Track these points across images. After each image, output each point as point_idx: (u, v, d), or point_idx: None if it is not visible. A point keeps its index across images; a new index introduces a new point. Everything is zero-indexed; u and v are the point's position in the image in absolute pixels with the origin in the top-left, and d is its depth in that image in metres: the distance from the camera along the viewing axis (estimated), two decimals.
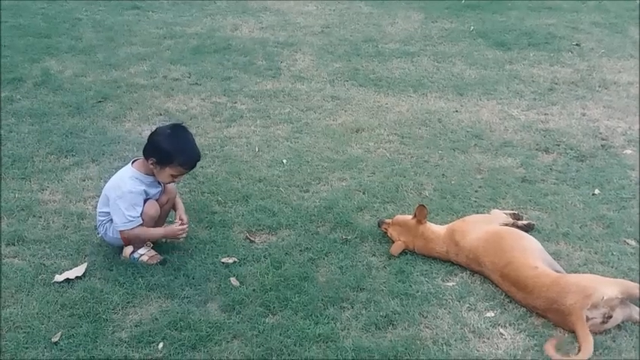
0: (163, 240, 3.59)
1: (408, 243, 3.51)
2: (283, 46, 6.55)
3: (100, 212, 3.46)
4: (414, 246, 3.51)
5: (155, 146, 3.34)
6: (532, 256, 3.22)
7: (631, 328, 3.02)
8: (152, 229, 3.42)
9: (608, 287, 2.97)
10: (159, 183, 3.48)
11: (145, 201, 3.41)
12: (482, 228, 3.43)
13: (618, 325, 3.01)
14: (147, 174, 3.40)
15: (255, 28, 7.08)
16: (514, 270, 3.16)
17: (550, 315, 3.03)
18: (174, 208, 3.59)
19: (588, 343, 2.84)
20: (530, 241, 3.37)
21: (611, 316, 2.94)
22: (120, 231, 3.36)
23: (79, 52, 6.35)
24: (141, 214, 3.38)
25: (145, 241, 3.47)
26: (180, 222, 3.50)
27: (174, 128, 3.43)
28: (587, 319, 2.91)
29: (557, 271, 3.21)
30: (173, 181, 3.45)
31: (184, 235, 3.49)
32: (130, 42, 6.64)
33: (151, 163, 3.34)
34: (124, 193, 3.33)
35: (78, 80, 5.73)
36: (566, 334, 2.99)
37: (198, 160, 3.45)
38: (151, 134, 3.43)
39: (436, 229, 3.53)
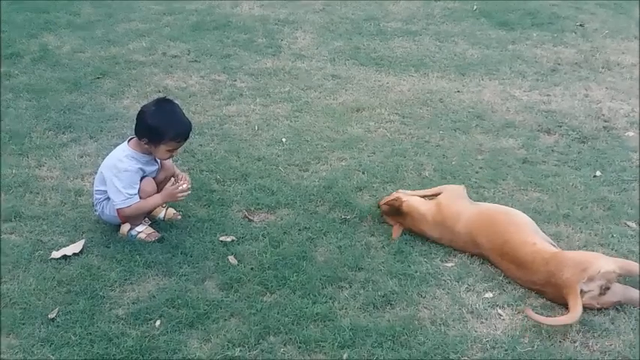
0: (162, 218, 3.57)
1: (402, 224, 3.51)
2: (284, 24, 6.49)
3: (96, 190, 3.43)
4: (407, 226, 3.50)
5: (144, 125, 3.29)
6: (528, 232, 3.22)
7: (630, 310, 3.01)
8: (149, 198, 3.36)
9: (605, 261, 2.98)
10: (155, 161, 3.44)
11: (142, 179, 3.38)
12: (470, 209, 3.41)
13: (617, 307, 3.01)
14: (143, 152, 3.36)
15: (256, 5, 7.01)
16: (512, 248, 3.15)
17: (548, 289, 3.03)
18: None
19: (577, 308, 2.84)
20: (522, 216, 3.36)
21: (608, 288, 2.94)
22: (118, 209, 3.33)
23: (77, 28, 6.29)
24: (138, 191, 3.35)
25: (144, 215, 3.45)
26: (180, 181, 3.42)
27: (158, 104, 3.37)
28: (584, 292, 2.92)
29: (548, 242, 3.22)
30: (171, 156, 3.40)
31: (186, 194, 3.40)
32: (128, 18, 6.57)
33: (145, 143, 3.30)
34: (120, 172, 3.30)
35: (76, 56, 5.68)
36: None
37: (190, 131, 3.38)
38: (138, 114, 3.36)
39: (422, 209, 3.48)
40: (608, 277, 2.94)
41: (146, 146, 3.31)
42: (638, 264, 3.08)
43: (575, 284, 2.91)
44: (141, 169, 3.35)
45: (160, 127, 3.25)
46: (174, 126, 3.30)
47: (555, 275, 2.98)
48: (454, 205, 3.47)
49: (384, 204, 3.56)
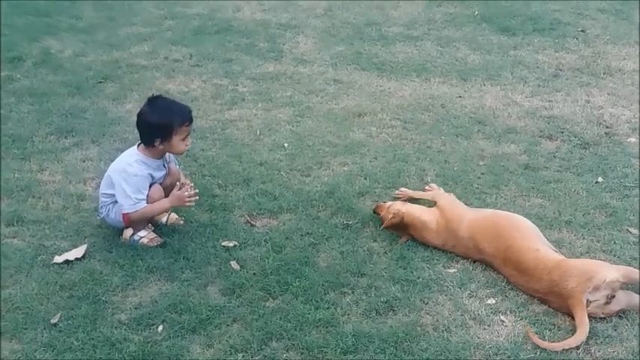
0: (164, 223, 3.57)
1: (406, 234, 3.51)
2: (285, 28, 6.50)
3: (103, 194, 3.42)
4: (410, 235, 3.50)
5: (149, 127, 3.30)
6: (532, 238, 3.22)
7: (632, 317, 3.01)
8: (156, 203, 3.36)
9: (609, 270, 2.98)
10: (164, 166, 3.45)
11: (150, 185, 3.38)
12: (472, 214, 3.41)
13: (619, 315, 3.01)
14: (153, 158, 3.37)
15: (257, 10, 7.02)
16: (515, 253, 3.15)
17: (551, 298, 3.03)
18: None
19: (584, 327, 2.85)
20: (525, 222, 3.36)
21: (614, 296, 2.94)
22: (125, 213, 3.33)
23: (79, 32, 6.30)
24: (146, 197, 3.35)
25: (151, 219, 3.46)
26: (186, 186, 3.41)
27: (150, 103, 3.37)
28: (589, 302, 2.91)
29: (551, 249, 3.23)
30: (187, 147, 3.39)
31: (195, 199, 3.40)
32: (130, 22, 6.59)
33: (159, 144, 3.30)
34: (129, 176, 3.30)
35: (78, 60, 5.69)
36: (568, 322, 2.98)
37: (191, 112, 3.39)
38: (137, 122, 3.36)
39: (424, 217, 3.47)
40: (613, 285, 2.93)
41: (161, 147, 3.31)
42: (639, 271, 3.08)
43: (580, 294, 2.91)
44: (150, 174, 3.36)
45: (165, 119, 3.27)
46: (177, 112, 3.33)
47: (559, 285, 2.97)
48: (456, 209, 3.47)
49: (386, 226, 3.52)
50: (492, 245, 3.25)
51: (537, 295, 3.09)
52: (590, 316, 2.92)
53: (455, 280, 3.23)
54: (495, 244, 3.24)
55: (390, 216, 3.48)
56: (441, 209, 3.48)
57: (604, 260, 3.29)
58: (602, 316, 2.97)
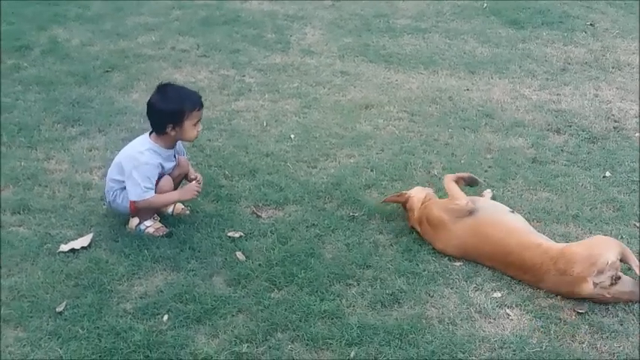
0: (170, 213, 3.57)
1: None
2: (293, 20, 6.48)
3: (111, 179, 3.41)
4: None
5: (161, 114, 3.30)
6: (528, 237, 3.20)
7: (639, 312, 3.00)
8: (166, 194, 3.38)
9: (610, 252, 3.00)
10: (174, 157, 3.45)
11: (161, 176, 3.38)
12: (460, 226, 3.32)
13: (625, 309, 3.00)
14: (165, 147, 3.37)
15: (265, 1, 7.00)
16: (518, 256, 3.13)
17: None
18: (185, 177, 3.56)
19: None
20: (515, 220, 3.32)
21: (619, 277, 2.98)
22: (132, 201, 3.33)
23: (86, 21, 6.29)
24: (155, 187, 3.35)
25: (158, 209, 3.46)
26: (194, 179, 3.47)
27: (160, 90, 3.36)
28: (595, 284, 2.96)
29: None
30: (198, 133, 3.40)
31: (199, 190, 3.45)
32: (138, 12, 6.58)
33: (171, 131, 3.30)
34: (140, 164, 3.30)
35: (85, 49, 5.69)
36: (574, 316, 2.97)
37: (200, 96, 3.41)
38: (148, 112, 3.36)
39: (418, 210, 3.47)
40: (616, 266, 2.98)
41: (172, 133, 3.31)
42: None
43: (586, 279, 2.96)
44: (160, 164, 3.36)
45: (177, 105, 3.28)
46: (187, 98, 3.34)
47: (566, 272, 3.01)
48: (443, 213, 3.37)
49: (386, 200, 3.60)
50: (490, 255, 3.22)
51: (546, 286, 3.09)
52: (598, 300, 2.99)
53: (461, 274, 3.22)
54: (494, 255, 3.21)
55: (397, 194, 3.57)
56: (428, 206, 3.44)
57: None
58: (609, 297, 2.98)
